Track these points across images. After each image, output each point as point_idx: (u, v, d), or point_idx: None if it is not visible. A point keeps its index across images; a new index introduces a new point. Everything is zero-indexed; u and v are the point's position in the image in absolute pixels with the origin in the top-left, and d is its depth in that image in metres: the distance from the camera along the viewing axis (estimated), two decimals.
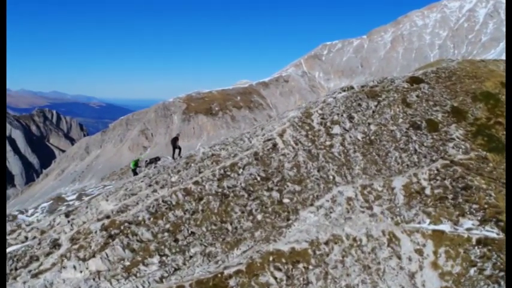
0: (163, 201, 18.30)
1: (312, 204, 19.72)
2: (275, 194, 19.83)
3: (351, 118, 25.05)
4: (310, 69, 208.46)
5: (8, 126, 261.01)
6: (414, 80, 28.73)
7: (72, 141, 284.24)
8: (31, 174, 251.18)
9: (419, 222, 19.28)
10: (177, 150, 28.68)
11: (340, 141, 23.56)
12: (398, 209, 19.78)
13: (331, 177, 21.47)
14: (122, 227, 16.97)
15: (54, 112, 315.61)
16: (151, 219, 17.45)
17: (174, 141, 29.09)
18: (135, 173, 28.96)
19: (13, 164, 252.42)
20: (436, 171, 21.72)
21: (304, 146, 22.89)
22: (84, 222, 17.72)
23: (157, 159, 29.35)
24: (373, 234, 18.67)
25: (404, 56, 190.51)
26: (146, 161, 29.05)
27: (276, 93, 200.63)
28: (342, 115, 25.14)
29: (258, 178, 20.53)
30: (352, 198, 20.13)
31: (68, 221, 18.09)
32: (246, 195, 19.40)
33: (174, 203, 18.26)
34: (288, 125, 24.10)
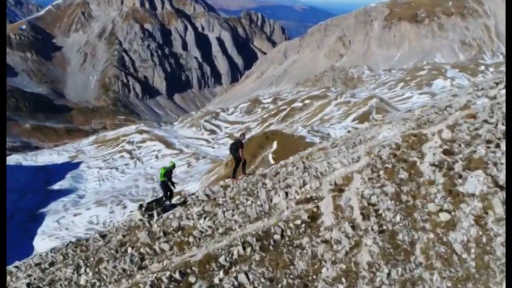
0: None
1: None
2: None
3: None
4: None
5: (218, 27, 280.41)
6: None
7: (273, 44, 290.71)
8: (236, 75, 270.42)
9: None
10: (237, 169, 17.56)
11: (477, 213, 9.62)
12: None
13: None
14: None
15: (259, 15, 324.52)
16: None
17: (236, 148, 17.01)
18: (169, 193, 15.80)
19: (221, 64, 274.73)
20: None
21: (382, 222, 10.02)
22: None
23: (160, 202, 15.68)
24: None
25: None
26: (142, 205, 15.30)
27: None
28: (495, 144, 11.05)
29: None
30: None
31: None
32: None
33: None
34: (361, 166, 10.85)
